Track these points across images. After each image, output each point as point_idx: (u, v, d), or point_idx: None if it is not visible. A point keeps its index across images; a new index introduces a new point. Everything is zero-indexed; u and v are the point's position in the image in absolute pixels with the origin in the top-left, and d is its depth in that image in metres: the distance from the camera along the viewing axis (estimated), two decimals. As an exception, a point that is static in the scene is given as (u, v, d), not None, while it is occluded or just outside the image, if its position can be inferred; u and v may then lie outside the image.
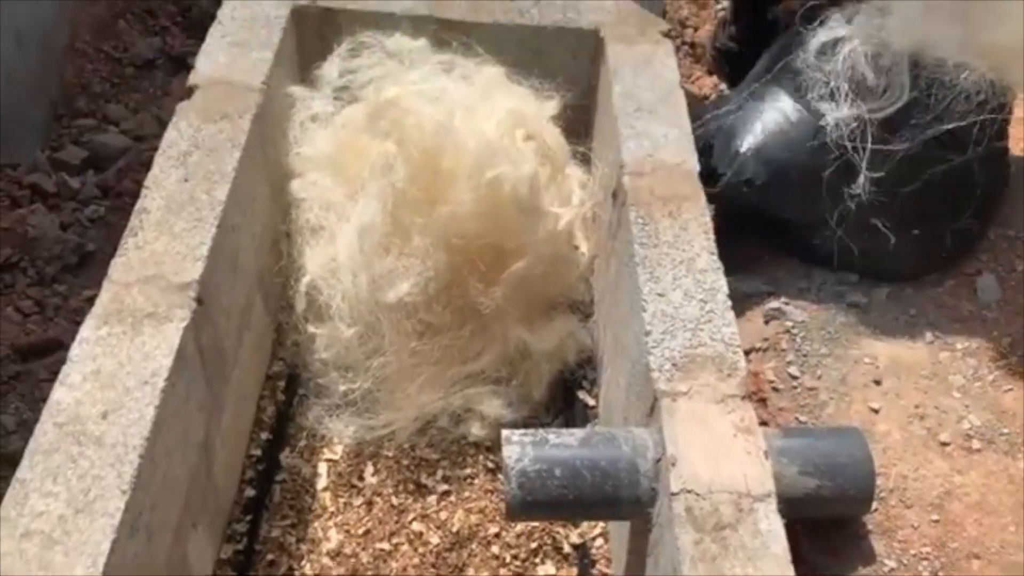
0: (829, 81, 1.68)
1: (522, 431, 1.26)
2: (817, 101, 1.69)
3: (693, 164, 1.57)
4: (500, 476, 1.55)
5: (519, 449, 1.22)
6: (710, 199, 1.52)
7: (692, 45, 2.35)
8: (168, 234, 1.35)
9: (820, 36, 1.72)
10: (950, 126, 1.63)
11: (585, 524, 1.53)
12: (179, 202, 1.39)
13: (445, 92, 1.65)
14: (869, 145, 1.62)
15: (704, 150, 1.68)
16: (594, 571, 1.48)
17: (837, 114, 1.65)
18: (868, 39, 1.67)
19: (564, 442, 1.23)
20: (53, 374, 1.16)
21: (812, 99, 1.69)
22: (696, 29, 2.36)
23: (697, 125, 1.69)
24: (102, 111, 2.06)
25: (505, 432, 1.25)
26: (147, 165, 1.44)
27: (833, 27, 1.72)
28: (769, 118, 1.75)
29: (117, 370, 1.17)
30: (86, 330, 1.21)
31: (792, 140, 1.71)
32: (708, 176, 1.58)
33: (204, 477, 1.34)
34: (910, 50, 1.63)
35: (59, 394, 1.14)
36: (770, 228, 1.77)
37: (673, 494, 1.13)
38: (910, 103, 1.64)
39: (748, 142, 1.74)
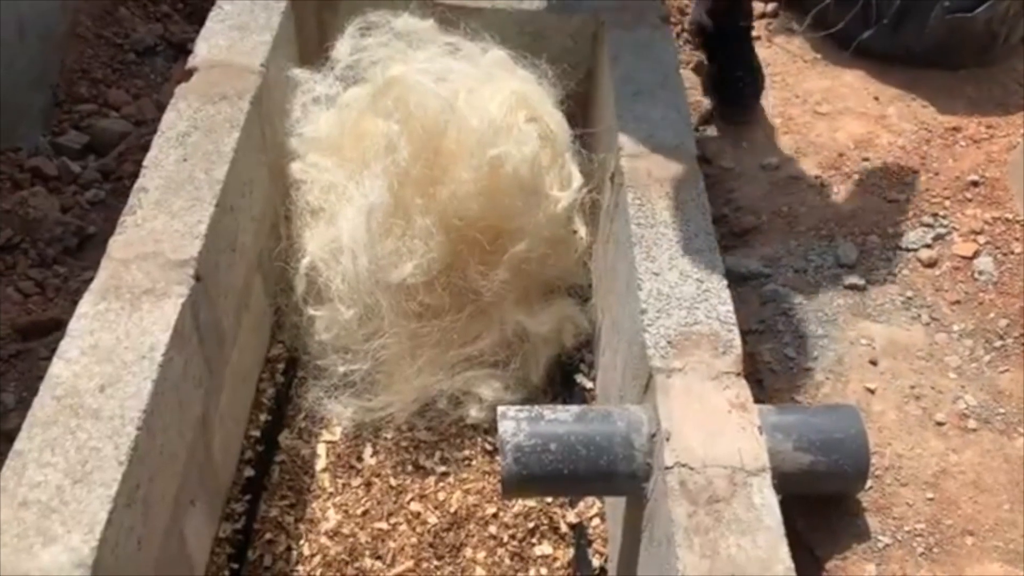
0: None
1: (517, 407, 1.26)
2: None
3: (691, 146, 1.57)
4: (498, 457, 1.55)
5: (514, 424, 1.22)
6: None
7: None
8: (167, 213, 1.35)
9: None
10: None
11: (582, 504, 1.54)
12: (178, 181, 1.40)
13: (450, 72, 1.66)
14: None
15: None
16: (591, 550, 1.49)
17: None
18: None
19: (559, 418, 1.24)
20: (53, 353, 1.17)
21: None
22: (696, 16, 2.36)
23: None
24: (103, 96, 2.07)
25: (501, 408, 1.26)
26: (147, 149, 1.44)
27: None
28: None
29: (115, 345, 1.18)
30: (84, 306, 1.22)
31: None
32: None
33: (202, 454, 1.35)
34: None
35: (57, 368, 1.15)
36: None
37: (667, 468, 1.13)
38: None
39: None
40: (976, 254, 1.72)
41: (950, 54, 2.18)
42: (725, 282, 1.36)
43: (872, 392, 1.52)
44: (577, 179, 1.70)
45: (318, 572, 1.45)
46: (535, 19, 1.85)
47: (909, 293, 1.67)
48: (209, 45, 1.65)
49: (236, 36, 1.68)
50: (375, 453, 1.60)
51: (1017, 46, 2.24)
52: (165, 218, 1.34)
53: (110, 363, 1.16)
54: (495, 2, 1.85)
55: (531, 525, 1.52)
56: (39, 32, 2.03)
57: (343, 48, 1.71)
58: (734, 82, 2.12)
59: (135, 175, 1.41)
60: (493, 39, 1.74)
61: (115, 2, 2.23)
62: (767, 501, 1.11)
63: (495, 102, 1.62)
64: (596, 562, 1.47)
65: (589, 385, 1.68)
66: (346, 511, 1.52)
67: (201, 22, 1.71)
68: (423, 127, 1.56)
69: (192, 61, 1.62)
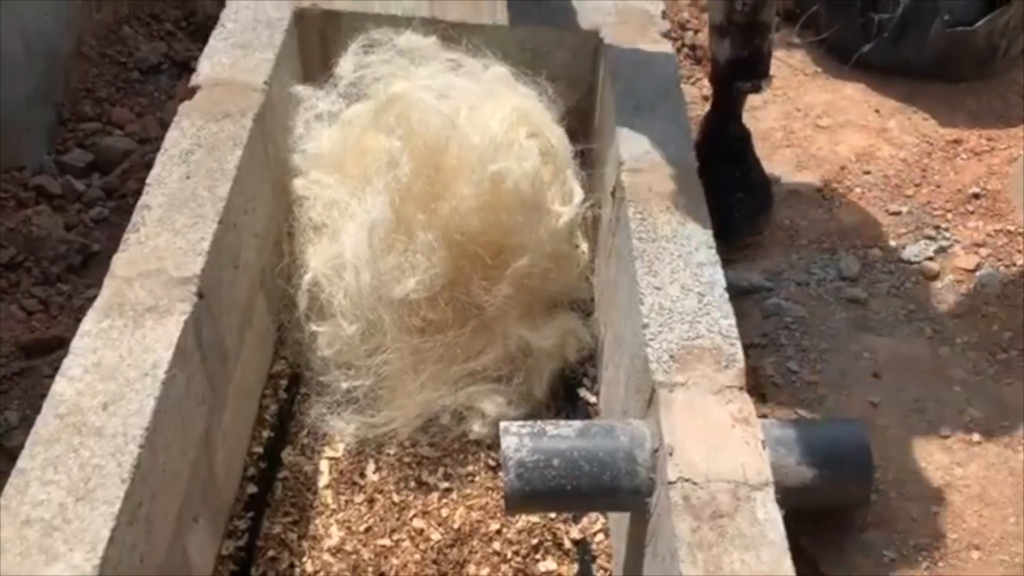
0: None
1: (520, 423, 1.26)
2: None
3: (691, 161, 1.58)
4: (501, 473, 1.55)
5: (517, 440, 1.22)
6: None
7: (692, 47, 2.36)
8: (170, 230, 1.36)
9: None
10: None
11: (586, 519, 1.54)
12: (181, 199, 1.41)
13: (452, 89, 1.67)
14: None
15: None
16: (595, 566, 1.48)
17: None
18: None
19: (562, 433, 1.24)
20: (56, 371, 1.17)
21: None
22: (696, 31, 2.38)
23: None
24: (107, 115, 2.08)
25: (503, 423, 1.25)
26: (151, 167, 1.45)
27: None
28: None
29: (118, 362, 1.18)
30: (88, 323, 1.22)
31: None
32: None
33: (205, 471, 1.35)
34: None
35: (60, 386, 1.15)
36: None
37: (670, 483, 1.13)
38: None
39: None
40: (978, 266, 1.72)
41: (950, 67, 2.19)
42: (727, 296, 1.36)
43: (875, 406, 1.51)
44: (578, 194, 1.71)
45: (321, 589, 1.44)
46: (536, 36, 1.86)
47: (912, 306, 1.67)
48: (212, 63, 1.66)
49: (239, 54, 1.69)
50: (378, 469, 1.60)
51: (1017, 59, 2.25)
52: (168, 235, 1.35)
53: (113, 381, 1.16)
54: (497, 18, 1.86)
55: (535, 541, 1.51)
56: (44, 51, 2.05)
57: (346, 65, 1.72)
58: (730, 204, 1.90)
59: (139, 193, 1.41)
60: (495, 56, 1.75)
61: (119, 21, 2.25)
62: (771, 516, 1.11)
63: (496, 118, 1.63)
64: (600, 578, 1.47)
65: (592, 399, 1.68)
66: (349, 528, 1.52)
67: (204, 40, 1.72)
68: (425, 143, 1.57)
69: (195, 79, 1.63)
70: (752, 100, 1.95)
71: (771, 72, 1.88)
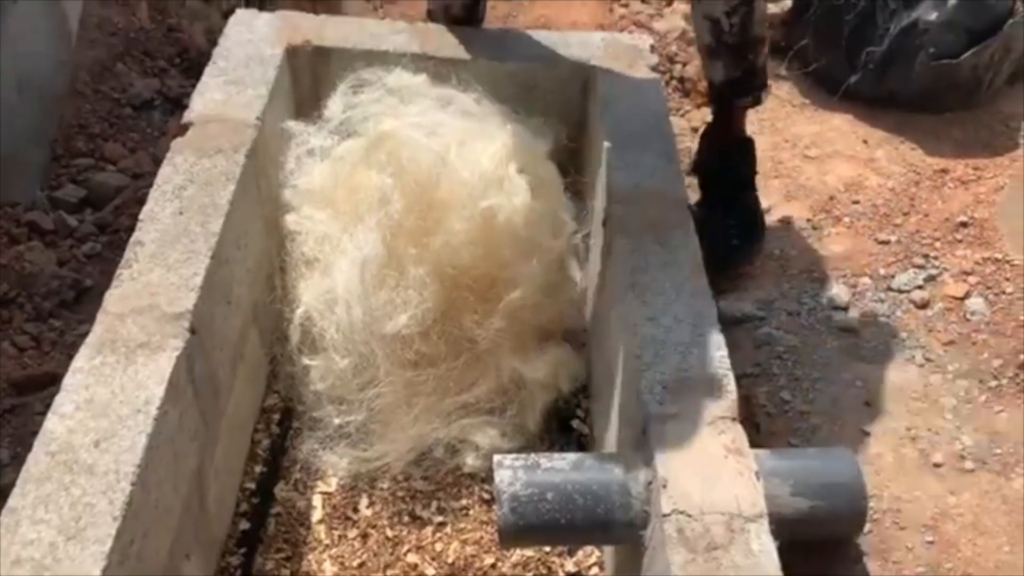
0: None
1: (514, 456, 1.26)
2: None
3: (681, 193, 1.59)
4: (495, 506, 1.54)
5: (511, 474, 1.22)
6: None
7: (681, 80, 2.39)
8: (162, 266, 1.36)
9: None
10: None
11: (580, 553, 1.53)
12: (173, 234, 1.41)
13: (441, 125, 1.68)
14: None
15: None
16: (590, 600, 1.47)
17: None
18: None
19: (556, 466, 1.24)
20: (48, 407, 1.16)
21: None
22: (684, 64, 2.41)
23: None
24: (100, 150, 2.08)
25: (496, 457, 1.25)
26: (143, 203, 1.45)
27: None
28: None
29: (110, 399, 1.18)
30: (80, 360, 1.22)
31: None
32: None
33: (197, 507, 1.34)
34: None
35: (51, 423, 1.15)
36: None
37: (664, 515, 1.13)
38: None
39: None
40: (968, 294, 1.73)
41: (936, 98, 2.22)
42: (718, 326, 1.36)
43: (868, 434, 1.52)
44: (570, 227, 1.72)
45: (314, 626, 1.43)
46: (526, 70, 1.88)
47: (903, 334, 1.68)
48: (205, 100, 1.67)
49: (232, 90, 1.70)
50: (371, 504, 1.59)
51: (1001, 89, 2.28)
52: (161, 271, 1.35)
53: (105, 418, 1.16)
54: (486, 54, 1.88)
55: (530, 575, 1.50)
56: (38, 88, 2.06)
57: (335, 107, 1.73)
58: (724, 231, 1.86)
59: (131, 228, 1.41)
60: (485, 91, 1.77)
61: (113, 58, 2.26)
62: (765, 547, 1.10)
63: (487, 154, 1.64)
64: (596, 612, 1.46)
65: (586, 431, 1.68)
66: (342, 563, 1.51)
67: (198, 77, 1.74)
68: (415, 180, 1.58)
69: (188, 115, 1.64)
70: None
71: (768, 81, 1.85)
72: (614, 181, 1.59)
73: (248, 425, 1.63)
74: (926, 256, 1.82)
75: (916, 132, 2.17)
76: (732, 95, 1.84)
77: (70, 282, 1.80)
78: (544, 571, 1.50)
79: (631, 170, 1.61)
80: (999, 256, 1.78)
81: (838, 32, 2.26)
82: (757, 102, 1.86)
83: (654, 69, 1.88)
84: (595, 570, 1.51)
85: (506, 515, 1.20)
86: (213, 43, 1.82)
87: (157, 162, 1.58)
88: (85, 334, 1.25)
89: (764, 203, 2.01)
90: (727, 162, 1.91)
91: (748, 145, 1.93)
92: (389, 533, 1.54)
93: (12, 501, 1.07)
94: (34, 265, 1.78)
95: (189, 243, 1.40)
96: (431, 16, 1.97)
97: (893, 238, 1.88)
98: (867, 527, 1.34)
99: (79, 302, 1.79)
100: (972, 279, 1.75)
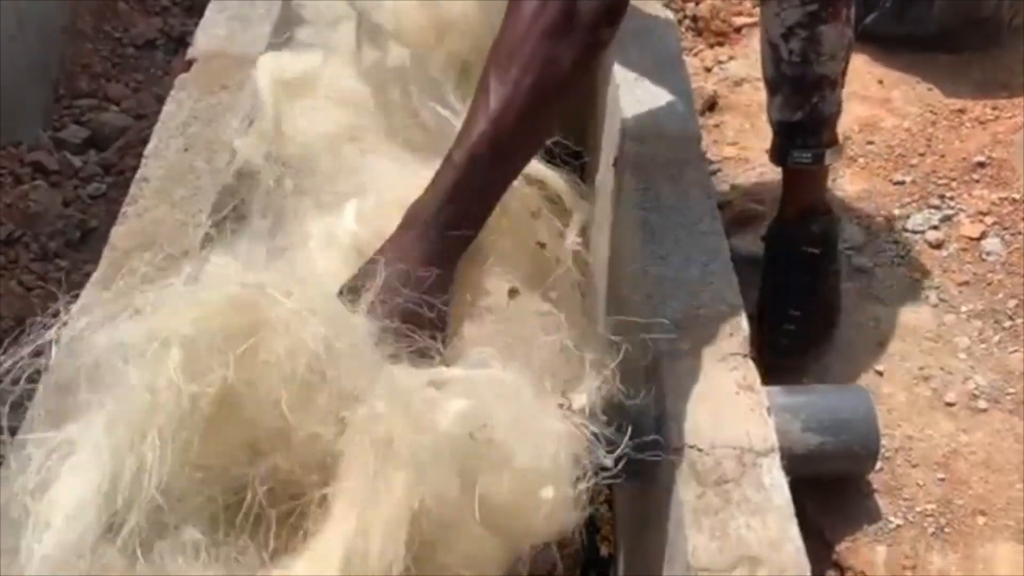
0: None
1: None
2: None
3: (695, 131, 1.56)
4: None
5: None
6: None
7: (694, 18, 2.34)
8: (168, 202, 1.35)
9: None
10: None
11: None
12: (179, 171, 1.39)
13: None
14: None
15: None
16: (598, 537, 1.48)
17: None
18: None
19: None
20: (54, 344, 1.15)
21: None
22: (697, 2, 2.36)
23: None
24: (103, 91, 2.07)
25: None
26: (147, 143, 1.43)
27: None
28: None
29: (117, 334, 1.17)
30: (86, 297, 1.21)
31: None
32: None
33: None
34: None
35: (58, 357, 1.14)
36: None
37: (675, 449, 1.12)
38: None
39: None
40: (983, 235, 1.71)
41: (955, 38, 2.17)
42: (731, 265, 1.34)
43: (881, 374, 1.51)
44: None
45: None
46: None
47: (916, 275, 1.66)
48: (208, 36, 1.64)
49: (236, 27, 1.67)
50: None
51: (1022, 29, 2.23)
52: (166, 207, 1.34)
53: (112, 352, 1.15)
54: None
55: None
56: (38, 27, 2.03)
57: None
58: (780, 314, 1.56)
59: (136, 169, 1.40)
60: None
61: (114, -3, 2.23)
62: (776, 481, 1.10)
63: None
64: (604, 549, 1.46)
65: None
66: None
67: (200, 16, 1.70)
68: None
69: (191, 52, 1.61)
70: (756, 73, 1.88)
71: (839, 141, 1.54)
72: (625, 119, 1.56)
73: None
74: (942, 196, 1.80)
75: (933, 72, 2.12)
76: (790, 144, 1.52)
77: (75, 222, 1.79)
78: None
79: (643, 108, 1.58)
80: (1016, 196, 1.76)
81: (855, -30, 2.21)
82: (819, 162, 1.52)
83: (667, 6, 1.83)
84: (603, 508, 1.51)
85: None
86: (216, -20, 1.78)
87: (161, 102, 1.56)
88: (90, 274, 1.24)
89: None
90: (792, 237, 1.59)
91: (824, 223, 1.58)
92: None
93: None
94: (39, 205, 1.78)
95: (195, 179, 1.38)
96: None
97: (908, 179, 1.85)
98: (878, 465, 1.33)
99: (84, 242, 1.79)
100: (988, 219, 1.72)
